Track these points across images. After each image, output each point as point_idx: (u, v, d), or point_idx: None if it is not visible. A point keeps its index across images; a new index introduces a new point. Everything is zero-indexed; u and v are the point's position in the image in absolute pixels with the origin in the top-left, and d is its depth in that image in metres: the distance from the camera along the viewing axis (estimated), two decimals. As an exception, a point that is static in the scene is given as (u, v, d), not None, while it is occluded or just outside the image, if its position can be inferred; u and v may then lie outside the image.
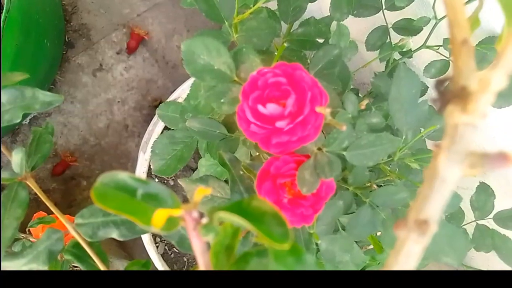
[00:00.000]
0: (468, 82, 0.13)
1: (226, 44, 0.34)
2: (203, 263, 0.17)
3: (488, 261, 0.59)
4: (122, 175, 0.17)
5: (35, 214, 0.58)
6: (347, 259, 0.33)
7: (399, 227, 0.13)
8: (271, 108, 0.24)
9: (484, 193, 0.49)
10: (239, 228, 0.19)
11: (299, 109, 0.24)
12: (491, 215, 0.48)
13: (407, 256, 0.13)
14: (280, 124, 0.24)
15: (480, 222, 0.49)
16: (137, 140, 0.91)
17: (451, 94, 0.13)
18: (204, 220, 0.16)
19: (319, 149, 0.26)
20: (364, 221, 0.35)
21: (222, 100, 0.30)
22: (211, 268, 0.17)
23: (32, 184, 0.30)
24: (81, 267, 0.30)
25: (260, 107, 0.24)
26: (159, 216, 0.15)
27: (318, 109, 0.23)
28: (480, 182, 0.49)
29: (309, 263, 0.16)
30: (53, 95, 0.30)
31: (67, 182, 0.89)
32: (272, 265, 0.16)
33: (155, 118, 0.68)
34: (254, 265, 0.18)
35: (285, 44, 0.38)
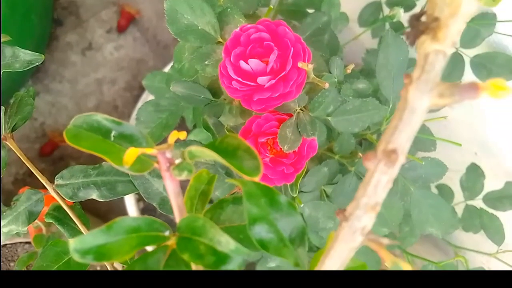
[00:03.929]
0: (441, 14, 0.13)
1: (213, 8, 0.33)
2: (176, 206, 0.17)
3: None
4: (96, 117, 0.17)
5: (21, 189, 0.58)
6: (331, 226, 0.33)
7: (369, 158, 0.13)
8: (253, 64, 0.23)
9: (474, 173, 0.48)
10: (215, 176, 0.19)
11: (282, 66, 0.24)
12: (481, 196, 0.48)
13: (376, 186, 0.13)
14: (261, 80, 0.23)
15: (469, 202, 0.49)
16: (127, 121, 0.90)
17: (424, 25, 0.13)
18: (177, 161, 0.16)
19: (302, 109, 0.26)
20: (349, 190, 0.35)
21: (206, 62, 0.30)
22: (184, 212, 0.17)
23: (11, 145, 0.29)
24: (62, 230, 0.30)
25: (242, 63, 0.24)
26: (131, 154, 0.15)
27: (301, 64, 0.23)
28: (470, 163, 0.49)
29: (283, 204, 0.16)
30: (34, 54, 0.29)
31: (56, 162, 0.88)
32: (246, 206, 0.16)
33: (144, 94, 0.67)
34: (229, 212, 0.18)
35: (275, 13, 0.38)
